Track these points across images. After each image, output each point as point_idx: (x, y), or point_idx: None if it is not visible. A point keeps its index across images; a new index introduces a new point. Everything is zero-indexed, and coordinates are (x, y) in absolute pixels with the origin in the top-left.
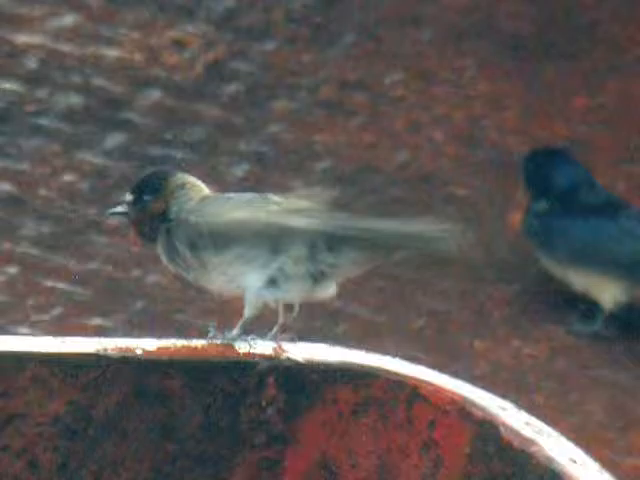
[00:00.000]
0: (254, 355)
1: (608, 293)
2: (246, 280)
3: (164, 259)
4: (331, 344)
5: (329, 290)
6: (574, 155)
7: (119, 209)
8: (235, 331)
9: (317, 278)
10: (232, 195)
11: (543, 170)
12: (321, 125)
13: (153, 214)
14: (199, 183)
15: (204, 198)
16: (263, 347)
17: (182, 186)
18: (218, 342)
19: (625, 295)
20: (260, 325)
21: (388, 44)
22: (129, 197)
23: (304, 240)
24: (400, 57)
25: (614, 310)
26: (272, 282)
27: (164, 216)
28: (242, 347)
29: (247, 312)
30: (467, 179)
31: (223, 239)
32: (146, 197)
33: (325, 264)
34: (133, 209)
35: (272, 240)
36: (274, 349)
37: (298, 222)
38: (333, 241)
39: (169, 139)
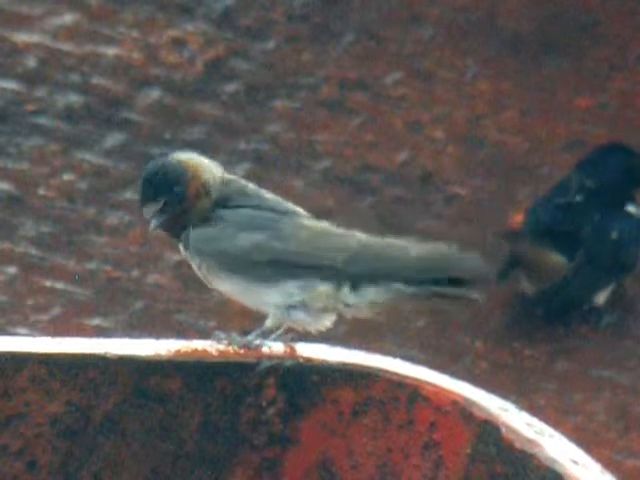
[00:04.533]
0: (254, 355)
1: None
2: (270, 299)
3: (181, 247)
4: (332, 345)
5: (328, 323)
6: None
7: (157, 221)
8: (251, 336)
9: (328, 313)
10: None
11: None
12: (321, 124)
13: (192, 198)
14: (204, 161)
15: (228, 184)
16: (264, 348)
17: (202, 168)
18: (235, 347)
19: (530, 282)
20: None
21: (388, 43)
22: (157, 203)
23: (332, 277)
24: (400, 56)
25: (535, 294)
26: (290, 309)
27: (203, 200)
28: (257, 349)
29: (269, 323)
30: (468, 179)
31: (251, 261)
32: (176, 189)
33: (343, 303)
34: (170, 207)
35: (302, 272)
36: (285, 350)
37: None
38: (359, 281)
39: (169, 138)
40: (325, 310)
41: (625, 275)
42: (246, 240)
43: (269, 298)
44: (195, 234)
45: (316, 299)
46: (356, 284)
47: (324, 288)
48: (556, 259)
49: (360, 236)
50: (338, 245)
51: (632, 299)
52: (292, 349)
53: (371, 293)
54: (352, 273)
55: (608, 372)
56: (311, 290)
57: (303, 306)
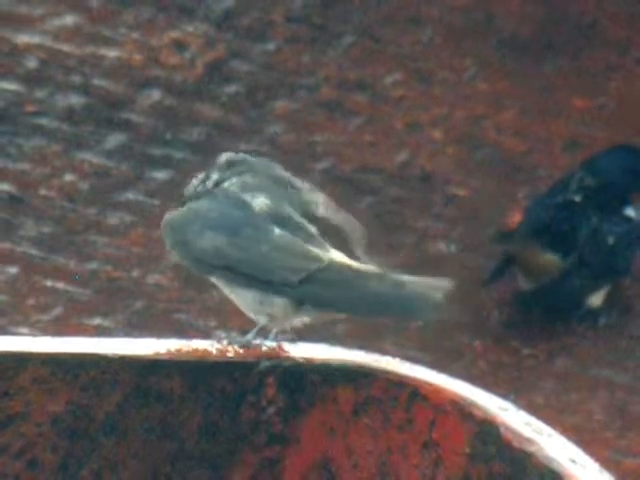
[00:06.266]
0: (254, 355)
1: None
2: (243, 306)
3: None
4: (331, 344)
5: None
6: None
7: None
8: (250, 336)
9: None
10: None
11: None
12: (321, 125)
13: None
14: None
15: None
16: (264, 347)
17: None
18: (235, 347)
19: (525, 280)
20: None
21: (388, 44)
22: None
23: (286, 294)
24: (400, 57)
25: (529, 291)
26: (268, 316)
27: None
28: (257, 349)
29: (262, 320)
30: (466, 179)
31: (211, 265)
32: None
33: (300, 320)
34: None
35: (260, 285)
36: (275, 349)
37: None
38: (301, 304)
39: (169, 139)
40: (289, 322)
41: (619, 279)
42: (207, 242)
43: (242, 304)
44: (168, 218)
45: (277, 313)
46: (303, 306)
47: (280, 304)
48: (549, 258)
49: (326, 256)
50: (296, 264)
51: (630, 299)
52: (292, 349)
53: (320, 316)
54: (306, 294)
55: (606, 371)
56: (270, 305)
57: (272, 317)
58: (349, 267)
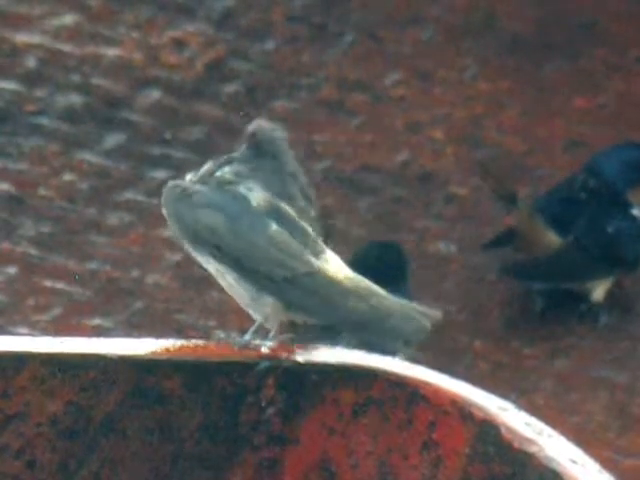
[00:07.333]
0: (254, 355)
1: None
2: (238, 300)
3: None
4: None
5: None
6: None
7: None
8: (248, 335)
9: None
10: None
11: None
12: (321, 125)
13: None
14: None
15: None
16: (263, 348)
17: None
18: (235, 347)
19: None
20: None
21: (388, 44)
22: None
23: (274, 292)
24: (400, 57)
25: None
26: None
27: None
28: (256, 349)
29: (259, 318)
30: (467, 179)
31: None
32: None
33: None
34: None
35: (252, 280)
36: (275, 349)
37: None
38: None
39: (168, 139)
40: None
41: (623, 270)
42: (203, 217)
43: (240, 300)
44: (170, 187)
45: (269, 312)
46: (290, 306)
47: (270, 303)
48: (549, 235)
49: (318, 264)
50: (285, 261)
51: (631, 299)
52: (291, 349)
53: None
54: (289, 295)
55: (607, 372)
56: (262, 304)
57: (266, 315)
58: (337, 279)
